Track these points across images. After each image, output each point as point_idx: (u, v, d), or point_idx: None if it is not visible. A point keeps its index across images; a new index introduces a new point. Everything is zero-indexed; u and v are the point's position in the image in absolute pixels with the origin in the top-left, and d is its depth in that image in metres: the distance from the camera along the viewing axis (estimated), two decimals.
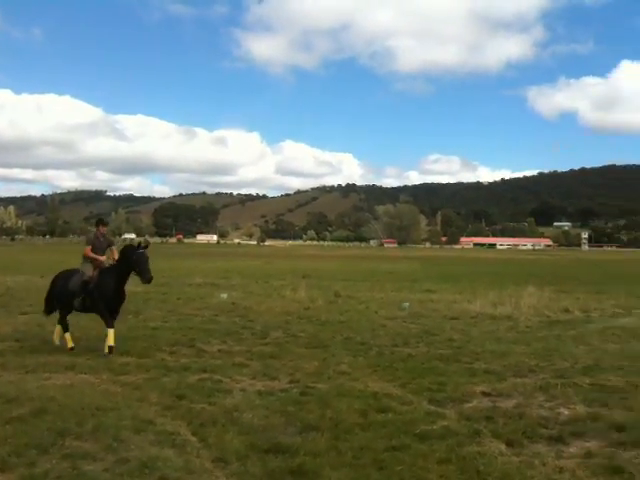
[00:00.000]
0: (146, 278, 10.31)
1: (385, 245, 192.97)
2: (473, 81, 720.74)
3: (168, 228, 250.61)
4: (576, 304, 18.36)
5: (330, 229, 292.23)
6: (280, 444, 5.76)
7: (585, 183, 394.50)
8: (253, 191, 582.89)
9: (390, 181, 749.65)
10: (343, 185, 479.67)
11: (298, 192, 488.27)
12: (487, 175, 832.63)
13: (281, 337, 12.27)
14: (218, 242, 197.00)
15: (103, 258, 10.89)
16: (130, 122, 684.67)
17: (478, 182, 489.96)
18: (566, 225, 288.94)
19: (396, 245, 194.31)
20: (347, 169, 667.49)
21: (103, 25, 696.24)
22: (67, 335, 10.78)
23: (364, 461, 5.40)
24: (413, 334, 12.87)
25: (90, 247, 10.85)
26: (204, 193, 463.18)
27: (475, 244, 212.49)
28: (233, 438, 5.91)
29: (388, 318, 15.32)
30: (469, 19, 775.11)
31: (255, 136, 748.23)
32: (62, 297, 10.89)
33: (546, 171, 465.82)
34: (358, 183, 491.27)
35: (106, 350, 9.96)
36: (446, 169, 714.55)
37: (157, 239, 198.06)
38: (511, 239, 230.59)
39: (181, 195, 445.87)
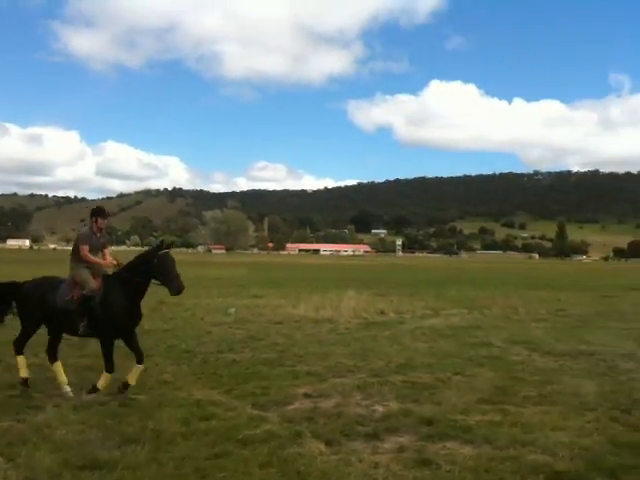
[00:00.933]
0: (176, 288, 7.78)
1: (213, 251, 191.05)
2: (298, 92, 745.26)
3: None
4: (390, 306, 19.56)
5: (155, 234, 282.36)
6: (97, 459, 5.50)
7: (399, 193, 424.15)
8: (71, 193, 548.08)
9: (218, 186, 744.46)
10: (169, 189, 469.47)
11: (121, 195, 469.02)
12: (312, 183, 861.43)
13: (100, 348, 11.59)
14: (31, 247, 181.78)
15: (108, 261, 8.20)
16: None
17: (303, 190, 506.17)
18: (382, 232, 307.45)
19: (224, 251, 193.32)
20: (173, 173, 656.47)
21: None
22: (56, 365, 8.23)
23: (185, 471, 5.31)
24: (238, 339, 12.87)
25: (87, 246, 8.04)
26: (15, 194, 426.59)
27: (300, 250, 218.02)
28: (44, 456, 5.53)
29: (214, 324, 15.17)
30: (295, 31, 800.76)
31: (74, 135, 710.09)
32: (43, 315, 8.10)
33: (365, 181, 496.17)
34: (185, 187, 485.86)
35: (100, 386, 7.89)
36: (273, 176, 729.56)
37: None
38: (333, 245, 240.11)
39: None
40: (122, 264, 8.12)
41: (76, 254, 8.09)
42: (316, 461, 5.59)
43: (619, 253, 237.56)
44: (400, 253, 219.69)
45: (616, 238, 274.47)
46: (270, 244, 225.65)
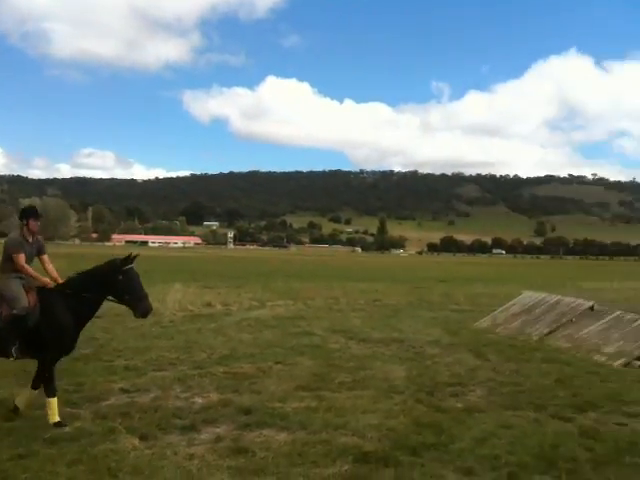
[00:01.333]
0: (143, 309, 6.72)
1: None
2: (131, 77, 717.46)
3: None
4: (218, 298, 19.50)
5: None
6: None
7: (233, 186, 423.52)
8: None
9: (37, 173, 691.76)
10: None
11: None
12: (142, 173, 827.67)
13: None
14: None
15: (48, 281, 6.80)
16: None
17: (133, 179, 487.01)
18: (214, 224, 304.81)
19: None
20: None
21: None
22: None
23: None
24: None
25: (23, 255, 6.66)
26: None
27: (127, 241, 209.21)
28: None
29: None
30: (129, 15, 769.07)
31: None
32: None
33: (198, 172, 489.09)
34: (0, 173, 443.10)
35: (53, 421, 6.38)
36: (100, 164, 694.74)
37: None
38: (163, 237, 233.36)
39: None
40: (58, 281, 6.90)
41: (5, 265, 6.71)
42: (129, 456, 5.47)
43: (432, 247, 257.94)
44: (231, 245, 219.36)
45: (430, 234, 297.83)
46: (94, 235, 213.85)
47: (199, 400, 7.53)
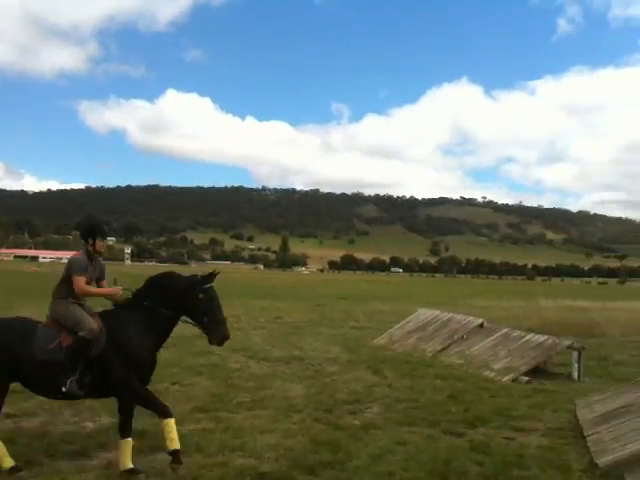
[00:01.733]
0: (221, 335, 5.91)
1: None
2: (23, 84, 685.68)
3: None
4: None
5: None
6: None
7: (131, 200, 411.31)
8: None
9: None
10: None
11: None
12: (33, 184, 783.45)
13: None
14: None
15: (118, 290, 6.20)
16: None
17: (23, 191, 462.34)
18: (111, 240, 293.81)
19: None
20: None
21: None
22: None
23: None
24: None
25: (85, 278, 5.95)
26: None
27: (16, 256, 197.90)
28: None
29: None
30: (22, 20, 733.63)
31: None
32: (12, 374, 5.70)
33: (94, 185, 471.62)
34: None
35: (171, 449, 5.78)
36: None
37: None
38: (55, 252, 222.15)
39: None
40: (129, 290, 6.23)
41: (62, 288, 6.04)
42: None
43: (333, 265, 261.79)
44: (129, 262, 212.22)
45: (331, 252, 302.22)
46: None
47: (90, 424, 7.25)
